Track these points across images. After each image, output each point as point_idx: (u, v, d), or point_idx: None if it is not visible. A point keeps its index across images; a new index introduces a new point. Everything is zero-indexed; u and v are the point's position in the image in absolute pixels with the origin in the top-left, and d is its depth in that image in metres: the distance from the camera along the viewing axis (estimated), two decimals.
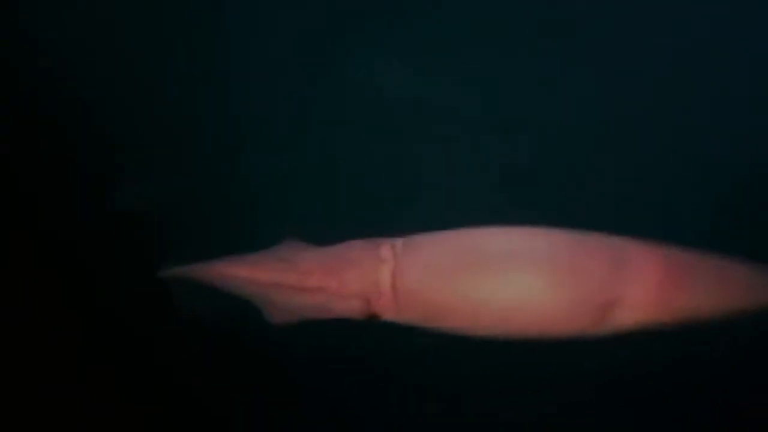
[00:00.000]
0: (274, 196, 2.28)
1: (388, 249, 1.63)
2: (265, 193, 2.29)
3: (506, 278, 1.50)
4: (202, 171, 2.39)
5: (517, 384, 1.85)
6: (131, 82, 2.53)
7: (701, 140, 2.12)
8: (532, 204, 1.79)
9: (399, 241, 1.66)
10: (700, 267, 1.54)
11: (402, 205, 2.14)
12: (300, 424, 1.99)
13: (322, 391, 1.99)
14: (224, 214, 2.29)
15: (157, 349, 1.98)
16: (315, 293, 1.61)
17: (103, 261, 2.17)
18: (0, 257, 2.12)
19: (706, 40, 2.54)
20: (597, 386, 1.79)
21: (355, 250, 1.65)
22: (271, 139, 2.39)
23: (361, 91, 2.44)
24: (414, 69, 2.49)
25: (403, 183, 2.24)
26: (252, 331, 1.93)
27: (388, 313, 1.59)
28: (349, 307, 1.60)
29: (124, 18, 2.67)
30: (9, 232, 2.18)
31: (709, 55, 2.43)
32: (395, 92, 2.45)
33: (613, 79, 2.34)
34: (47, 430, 1.89)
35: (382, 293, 1.58)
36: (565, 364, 1.73)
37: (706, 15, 2.83)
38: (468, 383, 1.88)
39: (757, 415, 1.80)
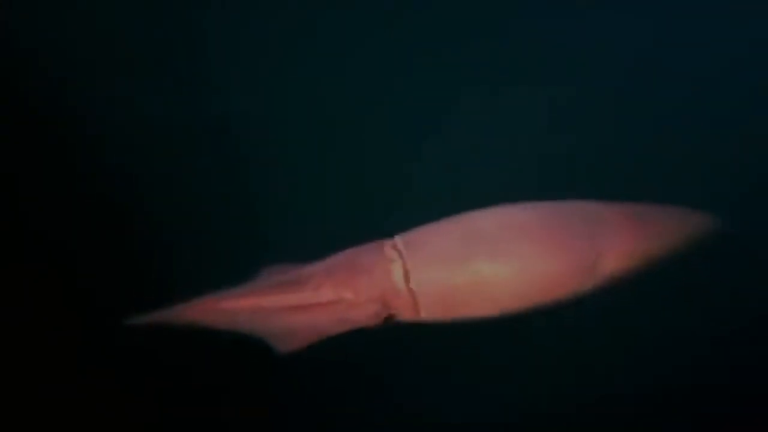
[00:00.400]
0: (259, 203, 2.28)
1: (391, 249, 1.65)
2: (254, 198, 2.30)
3: (513, 253, 1.58)
4: (201, 173, 2.40)
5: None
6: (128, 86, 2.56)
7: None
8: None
9: (398, 240, 1.67)
10: (653, 215, 1.73)
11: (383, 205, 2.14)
12: (300, 427, 1.99)
13: (320, 396, 1.99)
14: (223, 217, 2.30)
15: (157, 349, 1.98)
16: (328, 308, 1.59)
17: (103, 261, 2.18)
18: (0, 257, 2.12)
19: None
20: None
21: (360, 255, 1.65)
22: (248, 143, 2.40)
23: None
24: None
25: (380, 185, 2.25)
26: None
27: (407, 312, 1.60)
28: (366, 313, 1.58)
29: (122, 22, 2.69)
30: (9, 232, 2.18)
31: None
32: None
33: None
34: (47, 430, 1.88)
35: (398, 293, 1.59)
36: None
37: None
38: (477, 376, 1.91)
39: None
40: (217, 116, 2.48)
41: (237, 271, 1.93)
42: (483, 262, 1.57)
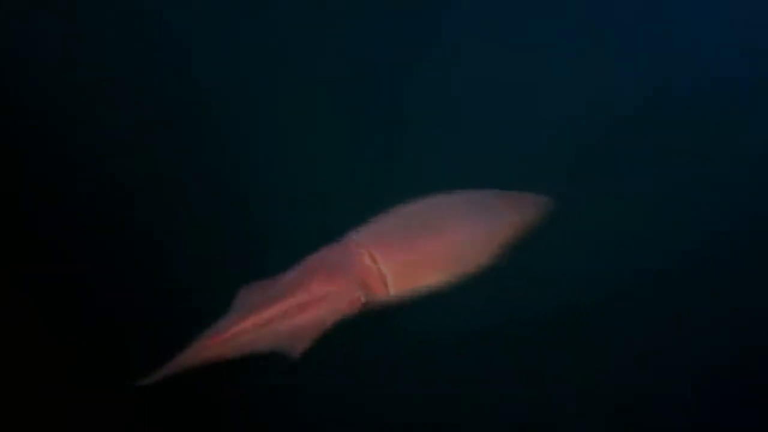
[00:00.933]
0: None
1: (355, 242, 1.96)
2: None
3: (444, 229, 2.01)
4: (191, 176, 2.46)
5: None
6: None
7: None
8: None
9: (356, 234, 1.99)
10: (519, 199, 2.19)
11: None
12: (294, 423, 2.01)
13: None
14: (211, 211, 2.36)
15: (155, 349, 1.99)
16: (321, 303, 1.85)
17: (102, 261, 2.19)
18: (0, 257, 2.13)
19: None
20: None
21: (333, 252, 1.95)
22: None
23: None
24: None
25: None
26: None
27: (380, 291, 1.90)
28: (351, 299, 1.87)
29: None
30: (9, 232, 2.19)
31: None
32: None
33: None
34: (46, 429, 1.88)
35: (372, 275, 1.90)
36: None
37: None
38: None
39: None
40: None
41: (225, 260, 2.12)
42: (425, 239, 1.97)
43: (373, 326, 2.08)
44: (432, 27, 3.01)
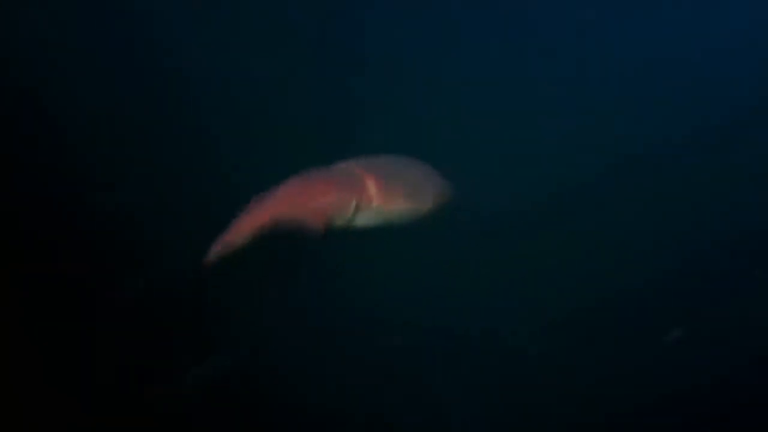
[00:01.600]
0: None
1: (349, 162, 2.37)
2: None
3: (413, 173, 2.52)
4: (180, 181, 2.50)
5: None
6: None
7: None
8: None
9: (350, 163, 2.39)
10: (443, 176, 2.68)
11: None
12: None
13: None
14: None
15: (153, 347, 1.99)
16: (321, 200, 2.21)
17: (102, 261, 2.20)
18: (0, 257, 2.13)
19: None
20: None
21: (334, 168, 2.35)
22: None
23: None
24: None
25: None
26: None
27: (367, 199, 2.30)
28: (348, 200, 2.25)
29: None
30: (8, 234, 2.20)
31: None
32: None
33: None
34: (45, 429, 1.88)
35: (365, 185, 2.32)
36: None
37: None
38: None
39: None
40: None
41: None
42: (395, 172, 2.46)
43: (372, 327, 2.15)
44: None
